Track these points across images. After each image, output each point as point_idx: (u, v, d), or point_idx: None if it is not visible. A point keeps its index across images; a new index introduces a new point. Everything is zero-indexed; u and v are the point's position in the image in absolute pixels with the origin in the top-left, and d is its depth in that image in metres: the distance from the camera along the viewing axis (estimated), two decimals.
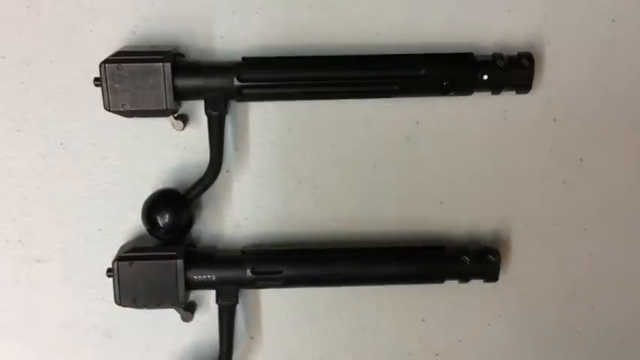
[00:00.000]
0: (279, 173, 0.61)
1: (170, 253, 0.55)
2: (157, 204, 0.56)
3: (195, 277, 0.56)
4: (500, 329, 0.62)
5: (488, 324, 0.62)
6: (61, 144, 0.59)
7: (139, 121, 0.59)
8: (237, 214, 0.61)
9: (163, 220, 0.55)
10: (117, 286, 0.55)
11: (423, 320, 0.62)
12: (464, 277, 0.59)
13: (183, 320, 0.58)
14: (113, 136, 0.59)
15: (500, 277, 0.61)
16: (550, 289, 0.63)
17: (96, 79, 0.55)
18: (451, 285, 0.61)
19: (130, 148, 0.59)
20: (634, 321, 0.63)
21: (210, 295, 0.59)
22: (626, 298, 0.63)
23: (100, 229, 0.60)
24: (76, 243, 0.59)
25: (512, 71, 0.58)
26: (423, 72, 0.57)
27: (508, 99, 0.61)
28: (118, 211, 0.59)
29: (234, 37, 0.60)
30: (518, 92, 0.60)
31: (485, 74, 0.58)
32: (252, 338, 0.61)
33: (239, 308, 0.60)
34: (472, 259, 0.59)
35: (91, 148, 0.59)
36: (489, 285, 0.62)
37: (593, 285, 0.63)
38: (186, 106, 0.59)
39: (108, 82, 0.55)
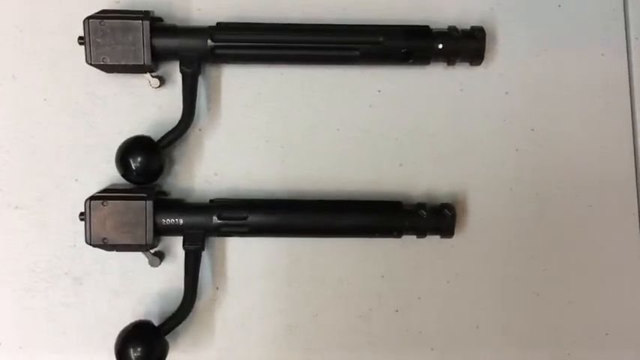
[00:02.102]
0: (249, 133, 0.65)
1: (141, 194, 0.58)
2: (131, 147, 0.59)
3: (164, 220, 0.59)
4: (458, 288, 0.65)
5: (447, 282, 0.65)
6: (45, 100, 0.63)
7: (119, 81, 0.63)
8: (207, 170, 0.64)
9: (136, 162, 0.58)
10: (88, 226, 0.58)
11: (382, 276, 0.64)
12: (421, 232, 0.62)
13: (151, 265, 0.61)
14: (94, 93, 0.64)
15: (458, 237, 0.64)
16: (506, 250, 0.65)
17: (80, 38, 0.60)
18: (410, 243, 0.64)
19: (109, 106, 0.64)
20: (586, 282, 0.65)
21: (178, 245, 0.62)
22: (579, 260, 0.66)
23: (77, 180, 0.63)
24: (53, 192, 0.63)
25: (466, 42, 0.63)
26: (382, 39, 0.62)
27: (463, 73, 0.66)
28: (95, 163, 0.63)
29: (211, 9, 0.65)
30: (472, 64, 0.65)
31: (440, 43, 0.63)
32: (217, 288, 0.63)
33: (206, 259, 0.63)
34: (429, 213, 0.62)
35: (74, 105, 0.63)
36: (447, 244, 0.65)
37: (547, 248, 0.66)
38: (164, 69, 0.64)
39: (90, 37, 0.59)
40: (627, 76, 0.68)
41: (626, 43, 0.69)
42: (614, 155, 0.67)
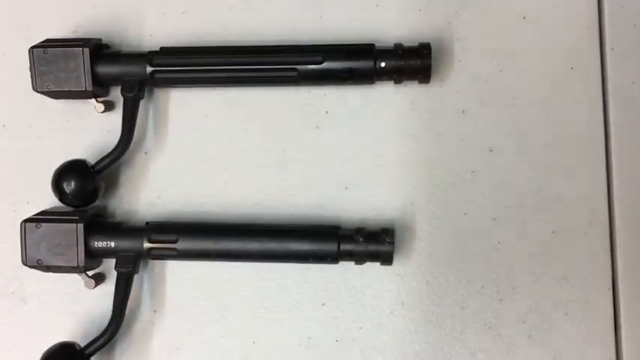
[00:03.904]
0: (193, 155, 0.65)
1: (73, 217, 0.59)
2: (64, 172, 0.60)
3: (96, 243, 0.60)
4: (403, 318, 0.61)
5: (391, 312, 0.61)
6: (3, 125, 0.66)
7: (69, 107, 0.65)
8: (152, 193, 0.65)
9: (70, 186, 0.60)
10: (24, 247, 0.59)
11: (323, 304, 0.62)
12: (358, 258, 0.59)
13: (86, 287, 0.62)
14: (47, 119, 0.66)
15: (404, 265, 0.61)
16: (457, 279, 0.61)
17: (30, 67, 0.63)
18: (353, 270, 0.61)
19: (59, 130, 0.66)
20: (546, 317, 0.60)
21: None
22: (539, 293, 0.60)
23: (28, 202, 0.65)
24: (5, 214, 0.65)
25: (411, 60, 0.60)
26: (321, 59, 0.61)
27: (416, 91, 0.63)
28: (46, 186, 0.65)
29: (162, 35, 0.66)
30: (420, 82, 0.62)
31: (383, 62, 0.60)
32: (155, 311, 0.63)
33: (145, 281, 0.63)
34: (365, 239, 0.59)
35: (28, 129, 0.66)
36: (393, 273, 0.62)
37: (503, 279, 0.61)
38: (114, 94, 0.65)
39: (35, 65, 0.62)
40: (600, 90, 0.63)
41: (600, 55, 0.63)
42: (582, 178, 0.61)
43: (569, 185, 0.61)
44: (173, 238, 0.59)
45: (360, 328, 0.61)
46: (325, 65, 0.61)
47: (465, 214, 0.62)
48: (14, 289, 0.64)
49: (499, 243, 0.61)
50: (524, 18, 0.64)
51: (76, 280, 0.63)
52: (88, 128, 0.66)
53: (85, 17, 0.67)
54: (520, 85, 0.63)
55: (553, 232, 0.61)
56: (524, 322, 0.60)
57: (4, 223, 0.65)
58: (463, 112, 0.63)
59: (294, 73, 0.61)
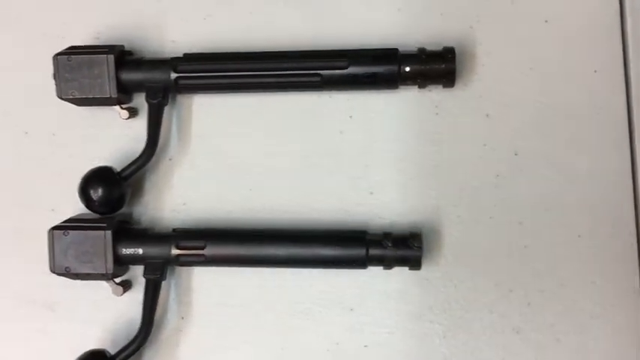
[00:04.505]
0: (217, 161, 0.65)
1: (101, 224, 0.59)
2: (91, 179, 0.61)
3: (124, 250, 0.60)
4: (431, 322, 0.61)
5: (419, 316, 0.61)
6: (26, 133, 0.66)
7: (93, 114, 0.65)
8: (176, 199, 0.65)
9: (96, 193, 0.60)
10: (51, 255, 0.59)
11: (351, 310, 0.62)
12: (386, 263, 0.59)
13: (114, 294, 0.61)
14: (70, 126, 0.66)
15: (432, 269, 0.61)
16: (484, 283, 0.61)
17: (53, 74, 0.63)
18: (380, 274, 0.61)
19: (83, 138, 0.66)
20: (574, 320, 0.60)
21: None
22: (566, 295, 0.60)
23: (53, 210, 0.65)
24: (31, 222, 0.65)
25: (435, 64, 0.61)
26: (345, 64, 0.61)
27: (439, 95, 0.63)
28: (70, 193, 0.65)
29: (184, 41, 0.66)
30: (444, 86, 0.62)
31: (407, 66, 0.61)
32: (182, 318, 0.63)
33: (172, 288, 0.63)
34: (394, 244, 0.59)
35: (51, 137, 0.66)
36: (421, 277, 0.62)
37: (530, 282, 0.61)
38: (138, 100, 0.65)
39: (60, 72, 0.62)
40: (624, 94, 0.63)
41: (623, 58, 0.63)
42: (607, 182, 0.61)
43: (594, 188, 0.61)
44: (201, 244, 0.59)
45: (389, 333, 0.61)
46: (350, 70, 0.61)
47: (490, 217, 0.62)
48: (41, 298, 0.64)
49: (526, 247, 0.61)
50: (546, 22, 0.64)
51: (103, 287, 0.63)
52: (111, 135, 0.65)
53: (107, 24, 0.67)
54: (543, 88, 0.63)
55: (579, 235, 0.61)
56: (552, 325, 0.60)
57: (28, 232, 0.65)
58: (487, 115, 0.63)
59: (318, 79, 0.61)
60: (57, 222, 0.64)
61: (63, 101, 0.63)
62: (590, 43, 0.63)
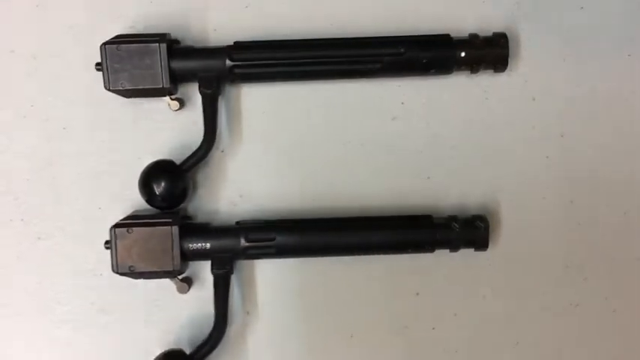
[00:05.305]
0: (271, 152, 0.63)
1: (166, 220, 0.57)
2: (154, 172, 0.58)
3: (191, 245, 0.57)
4: (494, 302, 0.63)
5: (483, 297, 0.63)
6: (64, 128, 0.62)
7: (137, 106, 0.62)
8: (232, 192, 0.63)
9: (159, 187, 0.57)
10: (114, 254, 0.56)
11: (417, 294, 0.62)
12: (454, 245, 0.60)
13: (179, 292, 0.59)
14: (112, 119, 0.62)
15: (492, 250, 0.62)
16: (542, 261, 0.63)
17: (97, 64, 0.59)
18: (443, 258, 0.62)
19: (128, 131, 0.62)
20: (628, 290, 0.63)
21: (206, 270, 0.60)
22: (618, 268, 0.63)
23: (100, 208, 0.62)
24: (76, 221, 0.61)
25: (489, 49, 0.62)
26: (403, 50, 0.61)
27: (487, 81, 0.65)
28: (117, 190, 0.62)
29: (226, 30, 0.64)
30: (496, 71, 0.63)
31: (462, 52, 0.62)
32: (247, 314, 0.61)
33: (235, 284, 0.61)
34: (461, 226, 0.60)
35: (91, 132, 0.62)
36: (482, 258, 0.63)
37: (585, 257, 0.64)
38: (182, 91, 0.63)
39: (108, 63, 0.58)
40: None
41: None
42: None
43: (638, 168, 0.65)
44: (271, 235, 0.58)
45: (455, 315, 0.62)
46: (407, 56, 0.61)
47: (543, 198, 0.64)
48: (93, 300, 0.61)
49: (579, 224, 0.64)
50: (581, 8, 0.67)
51: (158, 286, 0.60)
52: (157, 128, 0.63)
53: (141, 13, 0.63)
54: (581, 73, 0.65)
55: (625, 213, 0.64)
56: (606, 298, 0.63)
57: (74, 232, 0.61)
58: (533, 99, 0.65)
59: (379, 65, 0.61)
60: (104, 221, 0.61)
61: (101, 93, 0.59)
62: (622, 29, 0.66)
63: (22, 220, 0.61)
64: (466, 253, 0.61)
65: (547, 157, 0.65)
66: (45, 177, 0.62)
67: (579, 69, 0.65)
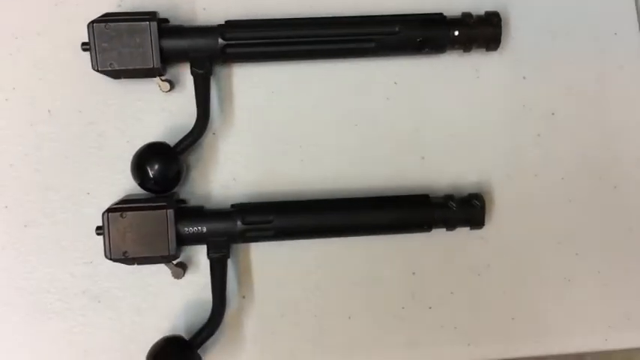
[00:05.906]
0: (264, 134, 0.62)
1: (161, 203, 0.55)
2: (148, 154, 0.56)
3: (187, 229, 0.56)
4: (489, 279, 0.63)
5: (478, 274, 0.63)
6: (49, 111, 0.60)
7: (125, 88, 0.61)
8: (225, 175, 0.61)
9: (153, 170, 0.56)
10: (107, 240, 0.54)
11: (413, 273, 0.62)
12: (451, 224, 0.60)
13: (175, 277, 0.58)
14: (99, 102, 0.60)
15: (486, 228, 0.63)
16: (535, 237, 0.64)
17: (84, 44, 0.57)
18: (439, 237, 0.62)
19: (116, 114, 0.61)
20: (617, 265, 0.64)
21: (201, 255, 0.59)
22: (609, 242, 0.64)
23: (88, 193, 0.60)
24: (64, 207, 0.59)
25: (482, 28, 0.62)
26: (397, 29, 0.60)
27: (479, 59, 0.65)
28: (106, 174, 0.60)
29: (216, 8, 0.63)
30: (488, 49, 0.63)
31: (456, 31, 0.61)
32: (243, 297, 0.60)
33: (230, 268, 0.60)
34: (458, 205, 0.60)
35: (78, 114, 0.60)
36: (476, 236, 0.63)
37: (576, 233, 0.64)
38: (172, 72, 0.61)
39: (96, 42, 0.56)
40: None
41: (638, 20, 0.68)
42: (636, 134, 0.66)
43: (626, 143, 0.65)
44: (269, 217, 0.57)
45: (451, 293, 0.62)
46: (401, 35, 0.61)
47: (535, 175, 0.65)
48: (85, 288, 0.59)
49: (570, 201, 0.64)
50: None
51: (151, 272, 0.59)
52: (147, 110, 0.61)
53: None
54: (570, 52, 0.66)
55: (615, 187, 0.65)
56: (599, 272, 0.64)
57: (62, 218, 0.59)
58: (524, 78, 0.65)
59: (372, 44, 0.60)
60: (93, 206, 0.59)
61: (87, 74, 0.57)
62: (609, 5, 0.67)
63: (6, 207, 0.59)
64: (461, 232, 0.62)
65: (538, 135, 0.65)
66: (30, 162, 0.59)
67: (570, 47, 0.66)
